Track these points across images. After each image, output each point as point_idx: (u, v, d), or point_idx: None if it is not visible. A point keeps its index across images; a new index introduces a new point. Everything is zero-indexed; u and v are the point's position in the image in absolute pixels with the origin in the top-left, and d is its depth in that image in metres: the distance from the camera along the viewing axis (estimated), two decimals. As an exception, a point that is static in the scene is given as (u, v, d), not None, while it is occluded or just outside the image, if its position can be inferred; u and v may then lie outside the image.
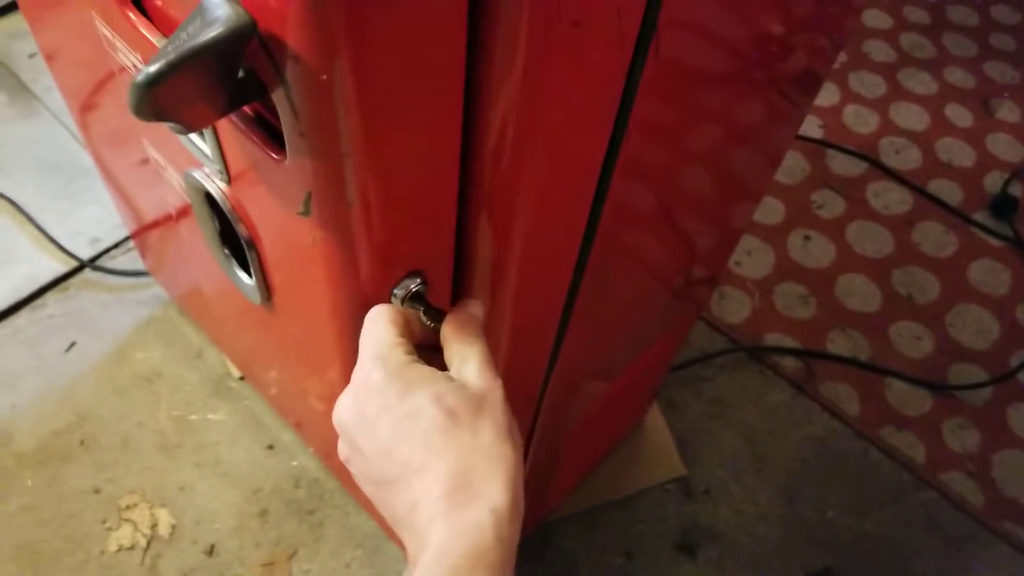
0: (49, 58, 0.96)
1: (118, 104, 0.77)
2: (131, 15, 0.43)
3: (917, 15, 1.95)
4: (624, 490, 1.20)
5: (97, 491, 1.15)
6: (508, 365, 0.58)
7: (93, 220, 1.40)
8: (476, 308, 0.46)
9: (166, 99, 0.29)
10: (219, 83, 0.31)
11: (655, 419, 1.26)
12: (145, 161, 0.74)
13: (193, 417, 1.23)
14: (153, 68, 0.28)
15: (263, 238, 0.54)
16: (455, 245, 0.47)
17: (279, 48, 0.31)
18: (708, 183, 0.72)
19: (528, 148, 0.41)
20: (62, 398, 1.23)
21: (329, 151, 0.35)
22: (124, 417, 1.22)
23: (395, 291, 0.45)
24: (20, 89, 1.56)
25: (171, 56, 0.28)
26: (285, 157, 0.39)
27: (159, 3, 0.43)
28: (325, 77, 0.31)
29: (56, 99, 1.52)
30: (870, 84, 1.80)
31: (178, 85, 0.29)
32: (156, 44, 0.42)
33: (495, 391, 0.41)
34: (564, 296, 0.59)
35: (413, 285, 0.46)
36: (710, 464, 1.24)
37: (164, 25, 0.43)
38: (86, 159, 1.46)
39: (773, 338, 1.39)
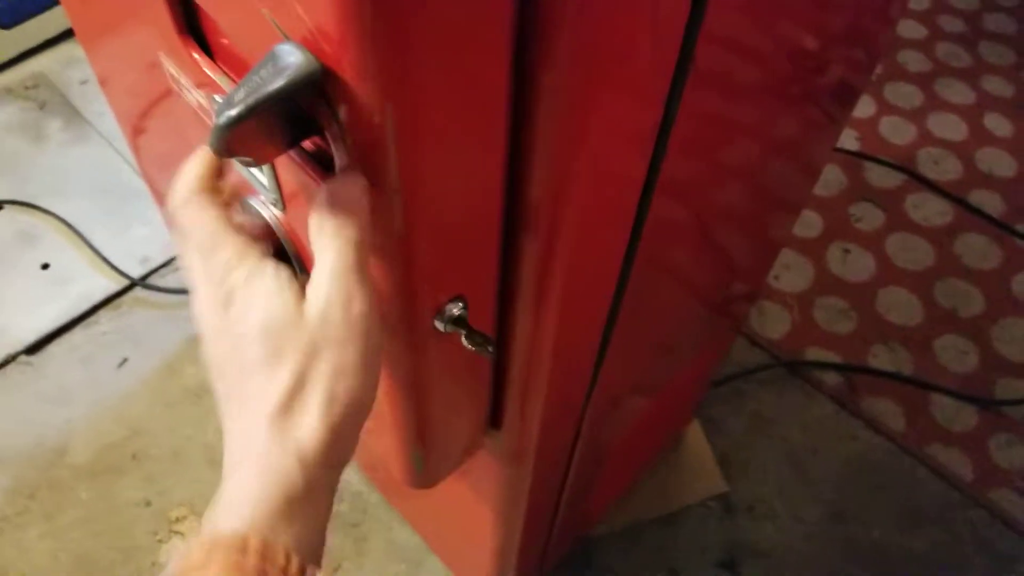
0: (104, 84, 1.00)
1: (172, 130, 0.80)
2: (195, 55, 0.46)
3: (952, 24, 1.93)
4: (665, 507, 1.20)
5: (148, 503, 1.19)
6: (551, 382, 0.59)
7: (143, 240, 1.45)
8: (353, 183, 0.36)
9: (240, 138, 0.32)
10: (286, 123, 0.33)
11: (695, 435, 1.26)
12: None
13: (239, 432, 1.26)
14: (234, 111, 0.30)
15: (315, 262, 0.56)
16: (498, 268, 0.49)
17: (334, 90, 0.33)
18: (747, 198, 0.72)
19: (572, 174, 0.42)
20: (115, 412, 1.27)
21: (379, 186, 0.36)
22: (174, 431, 1.25)
23: (437, 315, 0.46)
24: (73, 115, 1.62)
25: (249, 100, 0.30)
26: (339, 188, 0.41)
27: (225, 42, 0.45)
28: (377, 120, 0.32)
29: (107, 124, 1.57)
30: (906, 95, 1.78)
31: (252, 126, 0.31)
32: (220, 84, 0.45)
33: (344, 311, 0.36)
34: (606, 314, 0.60)
35: (456, 309, 0.47)
36: (752, 481, 1.23)
37: (229, 63, 0.46)
38: (137, 181, 1.51)
39: (814, 353, 1.38)
